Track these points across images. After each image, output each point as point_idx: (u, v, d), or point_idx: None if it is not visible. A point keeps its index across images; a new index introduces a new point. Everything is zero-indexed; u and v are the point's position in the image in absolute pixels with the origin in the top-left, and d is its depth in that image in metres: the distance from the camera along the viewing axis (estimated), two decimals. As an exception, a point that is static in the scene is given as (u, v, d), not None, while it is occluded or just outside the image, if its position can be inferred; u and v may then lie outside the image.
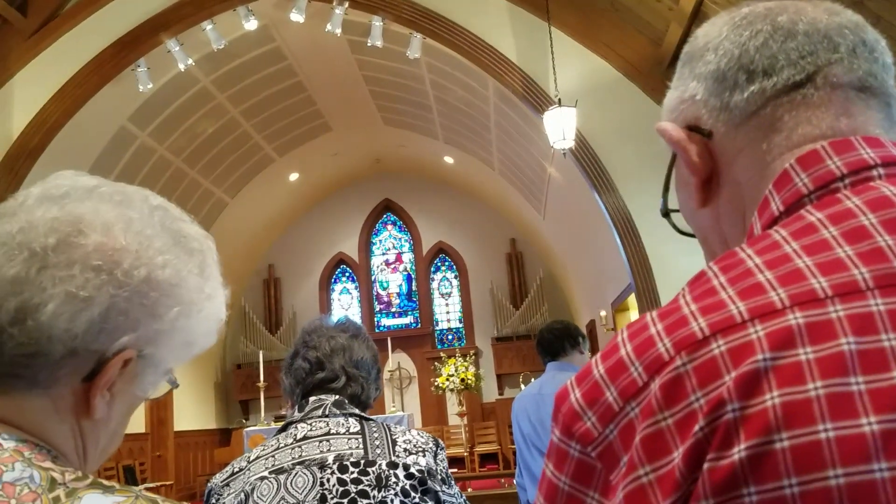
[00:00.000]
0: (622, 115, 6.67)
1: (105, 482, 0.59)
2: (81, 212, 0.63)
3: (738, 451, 0.42)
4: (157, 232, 0.67)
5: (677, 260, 6.26)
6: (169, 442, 11.34)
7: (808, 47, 0.57)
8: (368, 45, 7.68)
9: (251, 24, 7.50)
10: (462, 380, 11.60)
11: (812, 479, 0.40)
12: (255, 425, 9.86)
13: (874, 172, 0.52)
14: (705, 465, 0.43)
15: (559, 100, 6.18)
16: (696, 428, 0.43)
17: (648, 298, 6.50)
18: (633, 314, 8.44)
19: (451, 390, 11.77)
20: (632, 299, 7.43)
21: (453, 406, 12.61)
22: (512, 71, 6.92)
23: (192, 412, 12.29)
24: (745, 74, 0.58)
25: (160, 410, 11.33)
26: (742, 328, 0.45)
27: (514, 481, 3.55)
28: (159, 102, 8.62)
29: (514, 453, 3.49)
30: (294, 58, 9.27)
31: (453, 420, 12.76)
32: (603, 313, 9.30)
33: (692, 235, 0.68)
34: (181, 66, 7.75)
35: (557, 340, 3.37)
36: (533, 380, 4.23)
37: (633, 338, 0.49)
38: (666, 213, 0.69)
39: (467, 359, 12.15)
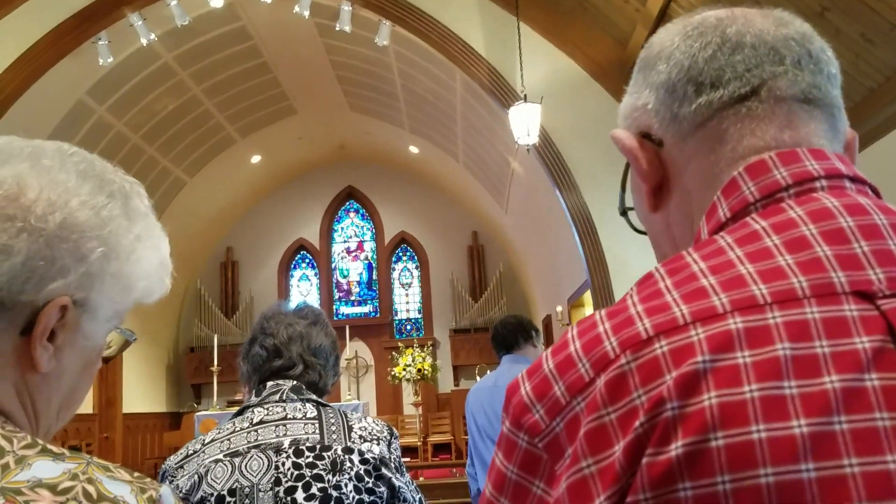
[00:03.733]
0: (586, 114, 6.75)
1: (55, 449, 0.59)
2: None
3: (676, 448, 0.43)
4: (72, 177, 0.66)
5: (633, 259, 6.39)
6: (117, 424, 11.12)
7: (754, 60, 0.58)
8: (337, 29, 7.61)
9: (217, 2, 7.35)
10: (419, 370, 11.64)
11: (744, 477, 0.42)
12: (206, 410, 9.75)
13: (817, 184, 0.54)
14: (644, 460, 0.44)
15: (525, 95, 6.22)
16: (637, 424, 0.45)
17: (604, 295, 6.62)
18: (589, 310, 8.58)
19: (408, 380, 11.80)
20: (587, 296, 7.55)
21: (409, 396, 12.64)
22: (479, 64, 6.95)
23: (142, 394, 12.07)
24: (693, 86, 0.60)
25: (109, 391, 11.11)
26: (684, 330, 0.47)
27: (466, 471, 3.60)
28: (119, 77, 8.40)
29: (468, 444, 3.53)
30: (260, 38, 9.13)
31: (408, 410, 12.79)
32: (559, 309, 9.42)
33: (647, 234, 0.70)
34: (143, 41, 7.57)
35: (511, 334, 3.44)
36: (489, 372, 4.27)
37: (582, 335, 0.51)
38: (623, 212, 0.71)
39: (425, 349, 12.19)
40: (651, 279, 0.53)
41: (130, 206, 0.70)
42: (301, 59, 9.74)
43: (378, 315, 13.99)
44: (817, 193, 0.54)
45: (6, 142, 0.67)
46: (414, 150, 12.16)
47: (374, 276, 14.28)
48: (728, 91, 0.58)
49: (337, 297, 14.23)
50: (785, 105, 0.58)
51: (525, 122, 6.15)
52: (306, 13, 7.37)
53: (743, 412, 0.43)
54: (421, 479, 7.94)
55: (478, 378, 9.34)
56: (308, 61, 9.80)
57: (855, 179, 0.55)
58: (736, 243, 0.52)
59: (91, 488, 0.56)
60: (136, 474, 0.60)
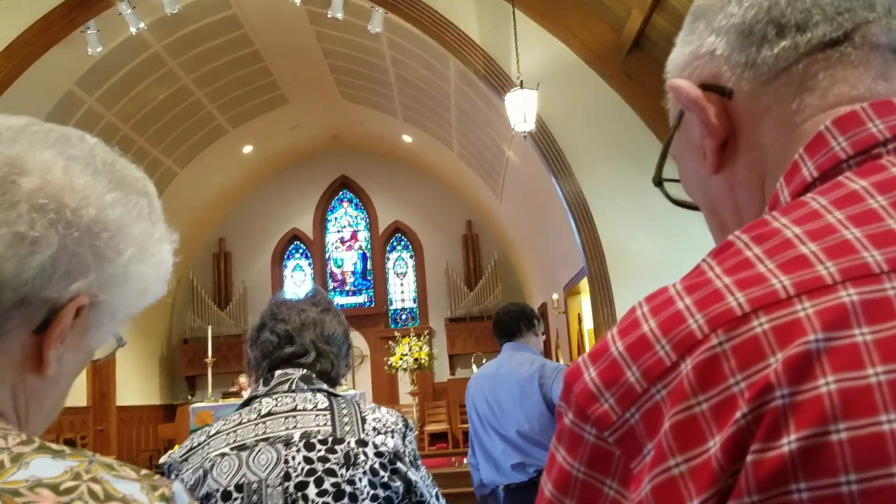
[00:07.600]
0: (582, 100, 6.70)
1: (54, 446, 0.55)
2: (16, 151, 0.59)
3: (789, 443, 0.38)
4: (101, 170, 0.63)
5: (630, 246, 6.37)
6: (111, 416, 11.07)
7: (845, 3, 0.53)
8: (329, 16, 7.52)
9: (208, -10, 7.27)
10: (415, 359, 11.62)
11: (874, 476, 0.36)
12: (201, 401, 9.70)
13: None
14: (749, 458, 0.38)
15: (521, 82, 6.17)
16: (738, 415, 0.39)
17: (600, 283, 6.60)
18: (585, 298, 8.56)
19: (404, 370, 11.79)
20: (584, 283, 7.53)
21: (405, 385, 12.63)
22: (474, 51, 6.88)
23: (136, 387, 12.01)
24: (775, 28, 0.54)
25: (103, 384, 11.05)
26: (787, 304, 0.40)
27: (467, 461, 3.57)
28: (109, 67, 8.29)
29: (464, 433, 3.50)
30: (251, 26, 9.02)
31: (405, 399, 12.78)
32: (555, 296, 9.41)
33: (689, 206, 0.64)
34: (133, 30, 7.46)
35: (514, 322, 3.41)
36: (485, 360, 4.25)
37: (657, 312, 0.44)
38: (659, 182, 0.64)
39: (421, 338, 12.17)
40: (732, 248, 0.46)
41: (154, 206, 0.68)
42: (292, 48, 9.64)
43: (373, 305, 13.95)
44: None
45: (25, 123, 0.63)
46: (407, 138, 12.08)
47: (369, 266, 14.23)
48: (817, 34, 0.53)
49: (331, 287, 14.17)
50: (880, 54, 0.53)
51: (521, 109, 6.10)
52: (298, 0, 7.28)
53: (869, 399, 0.37)
54: (418, 468, 7.93)
55: (474, 366, 9.32)
56: (300, 50, 9.70)
57: None
58: (833, 205, 0.45)
59: (97, 487, 0.52)
60: (143, 472, 0.57)
